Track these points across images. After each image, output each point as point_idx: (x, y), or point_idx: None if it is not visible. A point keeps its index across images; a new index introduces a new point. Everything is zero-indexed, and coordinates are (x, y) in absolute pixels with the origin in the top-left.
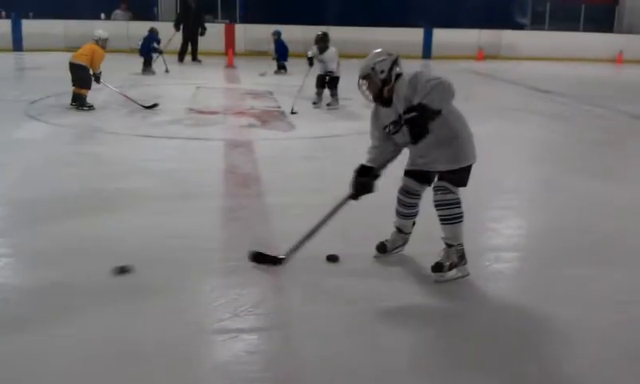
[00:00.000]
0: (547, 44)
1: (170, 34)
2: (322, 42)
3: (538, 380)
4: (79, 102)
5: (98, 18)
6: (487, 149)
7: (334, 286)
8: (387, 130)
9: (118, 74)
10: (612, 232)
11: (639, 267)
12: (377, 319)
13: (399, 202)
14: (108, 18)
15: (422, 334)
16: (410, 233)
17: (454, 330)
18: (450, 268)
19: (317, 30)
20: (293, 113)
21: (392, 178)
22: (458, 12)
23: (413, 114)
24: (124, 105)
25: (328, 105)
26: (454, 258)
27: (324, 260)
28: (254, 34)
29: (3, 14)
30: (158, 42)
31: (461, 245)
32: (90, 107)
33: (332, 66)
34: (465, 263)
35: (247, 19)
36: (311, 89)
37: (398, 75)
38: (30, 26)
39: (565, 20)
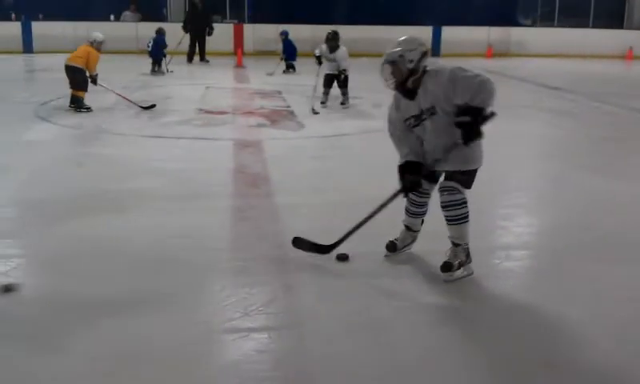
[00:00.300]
0: (556, 41)
1: (178, 35)
2: (333, 40)
3: (550, 378)
4: (77, 104)
5: (107, 19)
6: (496, 146)
7: (344, 286)
8: (408, 122)
9: (127, 75)
10: (623, 229)
11: None
12: (387, 318)
13: (409, 201)
14: (117, 19)
15: (433, 333)
16: (419, 231)
17: (464, 329)
18: (459, 267)
19: (325, 29)
20: (315, 113)
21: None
22: (467, 10)
23: (466, 118)
24: (131, 106)
25: (342, 104)
26: (461, 257)
27: (334, 259)
28: (262, 33)
29: (13, 16)
30: (165, 45)
31: (467, 243)
32: (88, 109)
33: (345, 65)
34: (470, 261)
35: (256, 19)
36: (320, 88)
37: (425, 69)
38: (39, 27)
39: (574, 16)
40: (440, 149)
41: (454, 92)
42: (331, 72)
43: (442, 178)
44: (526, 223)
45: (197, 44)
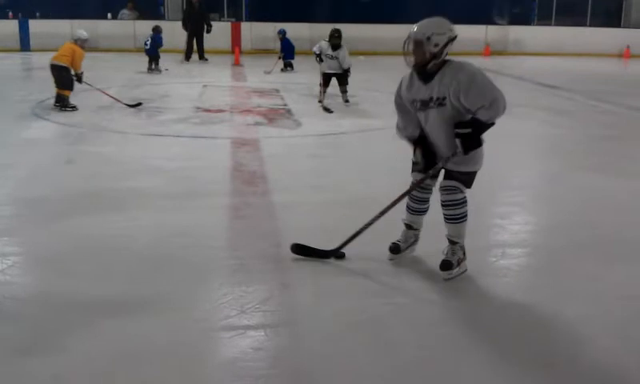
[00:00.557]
0: (554, 39)
1: (176, 33)
2: (338, 38)
3: (547, 376)
4: (62, 103)
5: (104, 17)
6: (493, 144)
7: (341, 283)
8: (414, 104)
9: (125, 74)
10: (620, 227)
11: None
12: (383, 316)
13: (411, 197)
14: (115, 17)
15: (430, 331)
16: (420, 229)
17: (462, 327)
18: (458, 264)
19: (322, 28)
20: (330, 111)
21: (391, 175)
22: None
23: (467, 130)
24: (142, 103)
25: (347, 102)
26: (460, 255)
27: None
28: (260, 31)
29: (10, 14)
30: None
31: (463, 241)
32: (74, 108)
33: (349, 63)
34: (465, 259)
35: (253, 17)
36: (317, 86)
37: (447, 58)
38: (36, 25)
39: (571, 15)
40: (442, 142)
41: (466, 93)
42: (331, 71)
43: (441, 177)
44: (523, 221)
45: (194, 42)
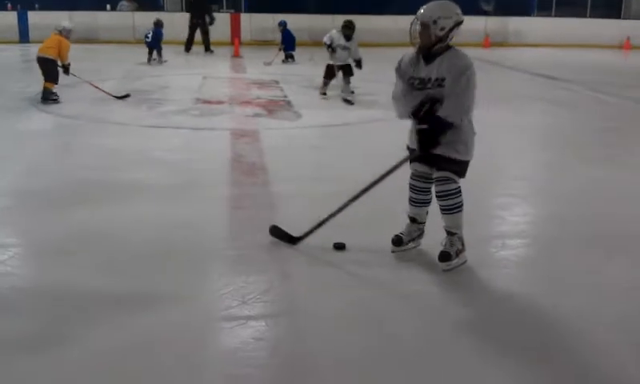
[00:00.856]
0: (554, 30)
1: (175, 24)
2: (351, 29)
3: (546, 368)
4: (44, 95)
5: (103, 9)
6: (493, 136)
7: (341, 274)
8: (412, 81)
9: (124, 65)
10: (621, 219)
11: None
12: (383, 307)
13: (412, 188)
14: (114, 8)
15: (428, 322)
16: (424, 222)
17: (460, 319)
18: (456, 255)
19: (322, 19)
20: (351, 103)
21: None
22: None
23: (424, 126)
24: (131, 95)
25: (352, 92)
26: (458, 246)
27: (331, 248)
28: (259, 23)
29: (9, 5)
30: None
31: (461, 232)
32: (55, 100)
33: (359, 54)
34: (464, 250)
35: (253, 8)
36: (321, 78)
37: (451, 45)
38: (35, 17)
39: (571, 6)
40: None
41: (452, 77)
42: (340, 62)
43: (435, 170)
44: (523, 212)
45: (195, 34)
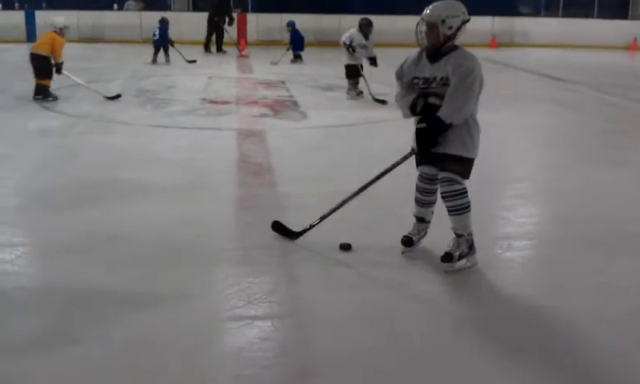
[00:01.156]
0: (561, 31)
1: (182, 24)
2: (370, 27)
3: (552, 368)
4: (43, 94)
5: (110, 8)
6: (499, 136)
7: (347, 274)
8: (416, 81)
9: (131, 65)
10: (625, 220)
11: None
12: (389, 307)
13: (418, 189)
14: (120, 8)
15: (434, 323)
16: (430, 221)
17: (466, 319)
18: (460, 258)
19: (329, 19)
20: (384, 103)
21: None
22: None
23: (423, 125)
24: (137, 95)
25: (360, 93)
26: (463, 248)
27: (337, 248)
28: (266, 23)
29: (17, 5)
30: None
31: (470, 234)
32: (55, 98)
33: (374, 52)
34: (474, 253)
35: (260, 8)
36: (327, 78)
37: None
38: (43, 16)
39: (578, 7)
40: None
41: (457, 76)
42: (356, 62)
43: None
44: (528, 213)
45: (213, 34)
